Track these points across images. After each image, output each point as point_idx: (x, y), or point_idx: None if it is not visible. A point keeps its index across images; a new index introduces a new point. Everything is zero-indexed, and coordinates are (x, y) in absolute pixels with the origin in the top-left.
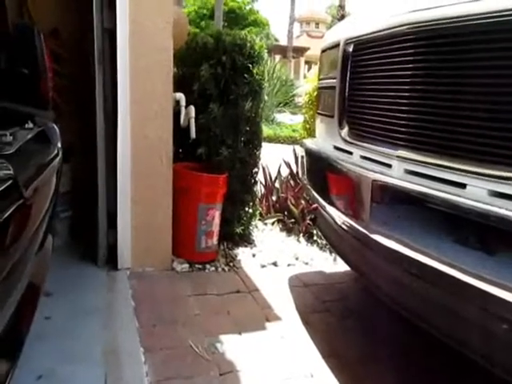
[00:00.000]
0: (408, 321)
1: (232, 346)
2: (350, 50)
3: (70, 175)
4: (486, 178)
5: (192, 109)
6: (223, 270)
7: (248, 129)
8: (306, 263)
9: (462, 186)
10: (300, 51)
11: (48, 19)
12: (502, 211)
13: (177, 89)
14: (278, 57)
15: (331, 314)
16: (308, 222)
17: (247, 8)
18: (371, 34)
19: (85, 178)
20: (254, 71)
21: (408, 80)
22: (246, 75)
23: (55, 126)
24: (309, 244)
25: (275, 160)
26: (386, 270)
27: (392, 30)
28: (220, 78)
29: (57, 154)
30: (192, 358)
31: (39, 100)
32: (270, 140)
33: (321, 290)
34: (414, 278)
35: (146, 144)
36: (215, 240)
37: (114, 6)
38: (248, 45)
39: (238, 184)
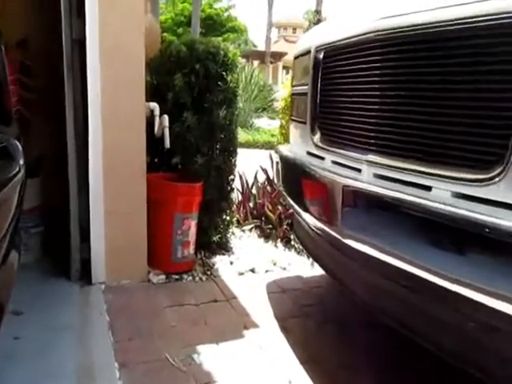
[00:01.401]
0: (387, 325)
1: (209, 356)
2: (321, 56)
3: (41, 189)
4: (450, 180)
5: (166, 118)
6: (201, 279)
7: (223, 136)
8: (284, 268)
9: (428, 188)
10: (278, 56)
11: (16, 29)
12: (464, 212)
13: (151, 98)
14: (256, 62)
15: (309, 320)
16: (285, 227)
17: (225, 15)
18: (340, 41)
19: (56, 191)
20: (228, 79)
21: (375, 86)
22: (219, 83)
23: (17, 143)
24: (286, 249)
25: (253, 166)
26: (359, 274)
27: (360, 37)
28: (194, 86)
29: (18, 171)
30: (168, 371)
31: (0, 115)
32: (249, 145)
33: (299, 295)
34: (386, 282)
35: (118, 155)
36: (192, 249)
37: (84, 16)
38: (221, 52)
39: (214, 192)
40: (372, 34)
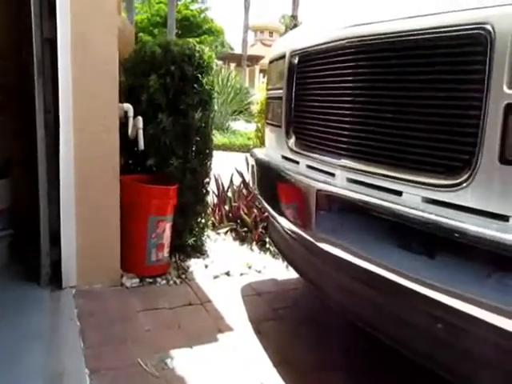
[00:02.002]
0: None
1: (183, 360)
2: (295, 61)
3: (9, 191)
4: (419, 186)
5: (140, 120)
6: (175, 282)
7: (198, 139)
8: (259, 271)
9: (399, 193)
10: (255, 59)
11: None
12: (433, 217)
13: (124, 99)
14: (233, 65)
15: (283, 322)
16: (261, 230)
17: (201, 16)
18: (314, 46)
19: (26, 193)
20: (204, 81)
21: (348, 91)
22: (195, 85)
23: None
24: (262, 252)
25: (229, 168)
26: (332, 277)
27: (332, 43)
28: (169, 88)
29: None
30: (141, 377)
31: None
32: (226, 148)
33: (273, 298)
34: (358, 284)
35: (90, 156)
36: (166, 253)
37: (55, 15)
38: (197, 55)
39: (189, 195)
40: (343, 41)
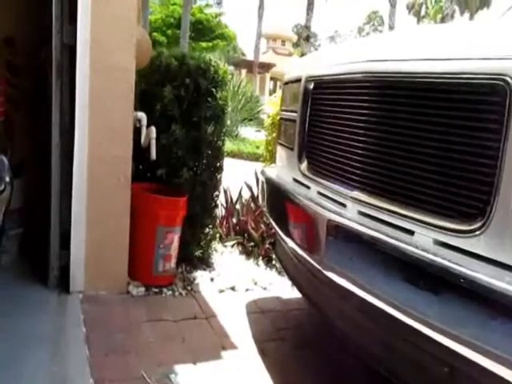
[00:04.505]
0: None
1: (186, 376)
2: (311, 87)
3: (22, 191)
4: (432, 228)
5: (153, 130)
6: (180, 294)
7: (210, 152)
8: (265, 288)
9: (411, 232)
10: (266, 67)
11: (2, 27)
12: (443, 262)
13: (139, 107)
14: (244, 71)
15: (287, 343)
16: (267, 246)
17: (215, 21)
18: (331, 75)
19: (38, 193)
20: (218, 95)
21: (362, 125)
22: (209, 99)
23: (4, 159)
24: (268, 268)
25: (238, 177)
26: (335, 305)
27: (350, 75)
28: (183, 99)
29: (4, 189)
30: None
31: None
32: (234, 155)
33: (277, 317)
34: (363, 317)
35: (103, 163)
36: (173, 263)
37: (75, 22)
38: (212, 69)
39: (198, 207)
40: (361, 75)
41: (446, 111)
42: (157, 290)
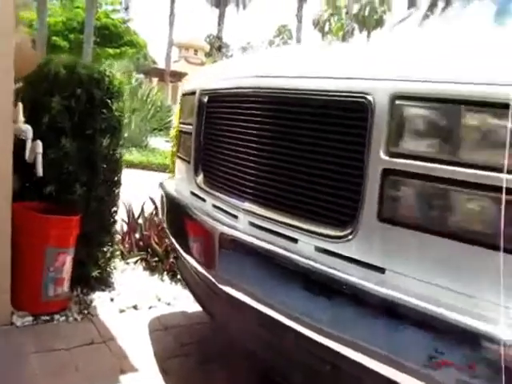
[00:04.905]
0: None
1: None
2: (205, 100)
3: None
4: (312, 235)
5: (39, 144)
6: (75, 319)
7: (106, 166)
8: (169, 304)
9: (295, 240)
10: (178, 76)
11: None
12: (319, 266)
13: (25, 118)
14: (155, 79)
15: (191, 359)
16: (172, 260)
17: (123, 27)
18: (223, 89)
19: None
20: (114, 107)
21: (251, 138)
22: (104, 110)
23: None
24: (173, 283)
25: (144, 190)
26: (233, 317)
27: (239, 90)
28: (74, 111)
29: None
30: None
31: None
32: (143, 167)
33: (181, 333)
34: (258, 327)
35: None
36: (66, 287)
37: None
38: (106, 79)
39: (94, 224)
40: (249, 90)
41: (318, 125)
42: (47, 318)
